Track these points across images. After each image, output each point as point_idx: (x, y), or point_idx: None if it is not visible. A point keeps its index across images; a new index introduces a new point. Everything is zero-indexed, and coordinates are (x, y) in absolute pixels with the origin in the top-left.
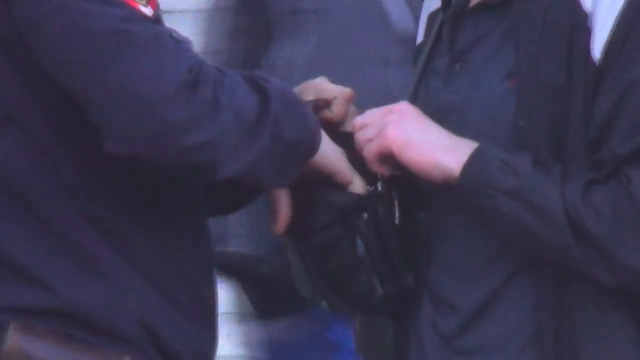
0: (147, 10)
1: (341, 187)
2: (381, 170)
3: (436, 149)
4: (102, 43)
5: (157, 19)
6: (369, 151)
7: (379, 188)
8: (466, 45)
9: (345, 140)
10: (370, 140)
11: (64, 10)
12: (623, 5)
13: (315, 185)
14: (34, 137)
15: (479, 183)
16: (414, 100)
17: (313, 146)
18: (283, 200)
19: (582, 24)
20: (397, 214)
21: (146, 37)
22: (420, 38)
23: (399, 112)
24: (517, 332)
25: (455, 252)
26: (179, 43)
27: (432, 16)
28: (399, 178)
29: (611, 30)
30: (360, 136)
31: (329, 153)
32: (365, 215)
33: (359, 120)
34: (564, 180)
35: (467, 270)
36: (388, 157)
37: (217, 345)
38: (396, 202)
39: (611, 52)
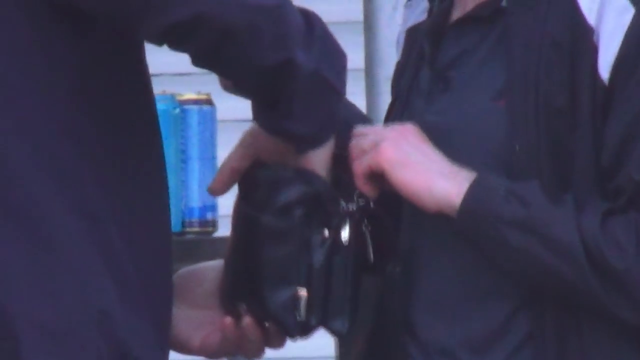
0: None
1: None
2: (366, 189)
3: (433, 174)
4: None
5: None
6: (360, 164)
7: (353, 209)
8: (448, 61)
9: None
10: (363, 152)
11: None
12: (632, 19)
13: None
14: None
15: (482, 213)
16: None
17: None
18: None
19: (586, 40)
20: (370, 251)
21: None
22: (400, 56)
23: (402, 131)
24: None
25: (445, 291)
26: None
27: (413, 31)
28: (374, 215)
29: (620, 47)
30: (355, 145)
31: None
32: (326, 231)
33: (359, 129)
34: (579, 210)
35: (459, 309)
36: (377, 177)
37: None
38: (368, 238)
39: (620, 71)
